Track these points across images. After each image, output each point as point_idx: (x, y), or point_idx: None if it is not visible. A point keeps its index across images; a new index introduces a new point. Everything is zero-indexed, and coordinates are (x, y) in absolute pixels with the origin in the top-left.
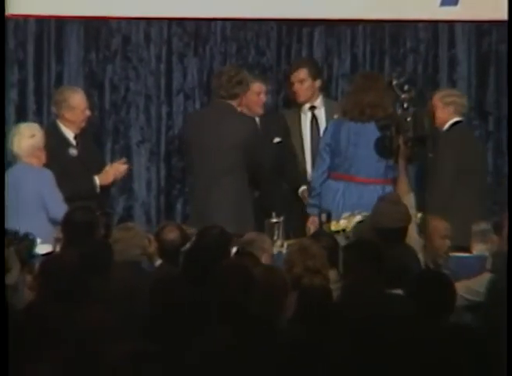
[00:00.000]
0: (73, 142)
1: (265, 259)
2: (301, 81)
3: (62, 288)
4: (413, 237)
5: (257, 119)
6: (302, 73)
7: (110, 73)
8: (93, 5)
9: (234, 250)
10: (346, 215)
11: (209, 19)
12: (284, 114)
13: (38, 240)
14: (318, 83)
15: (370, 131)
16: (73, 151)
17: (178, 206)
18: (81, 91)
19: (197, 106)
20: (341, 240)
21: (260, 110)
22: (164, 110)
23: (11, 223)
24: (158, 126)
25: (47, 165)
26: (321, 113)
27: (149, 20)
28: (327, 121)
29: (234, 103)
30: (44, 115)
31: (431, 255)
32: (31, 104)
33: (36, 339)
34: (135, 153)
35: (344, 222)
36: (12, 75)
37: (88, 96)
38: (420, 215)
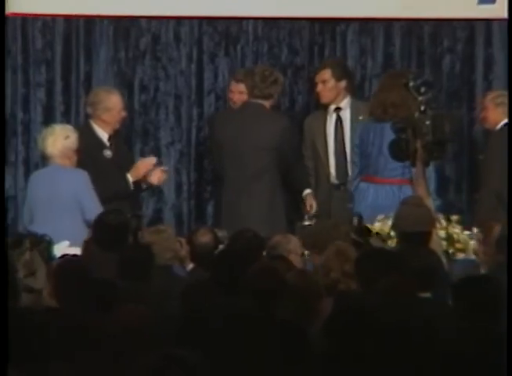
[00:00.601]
0: (108, 143)
1: (294, 261)
2: (324, 82)
3: (91, 292)
4: (436, 241)
5: None
6: (326, 73)
7: (140, 73)
8: (123, 4)
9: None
10: (380, 217)
11: (240, 18)
12: (315, 115)
13: (67, 243)
14: (343, 84)
15: (390, 132)
16: (108, 152)
17: (209, 209)
18: (117, 92)
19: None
20: (377, 244)
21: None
22: (195, 110)
23: (42, 224)
24: (188, 127)
25: (80, 166)
26: (346, 115)
27: (179, 19)
28: (352, 122)
29: (267, 103)
30: (72, 116)
31: (488, 259)
32: (59, 105)
33: (62, 343)
34: (164, 155)
35: (379, 225)
36: (40, 75)
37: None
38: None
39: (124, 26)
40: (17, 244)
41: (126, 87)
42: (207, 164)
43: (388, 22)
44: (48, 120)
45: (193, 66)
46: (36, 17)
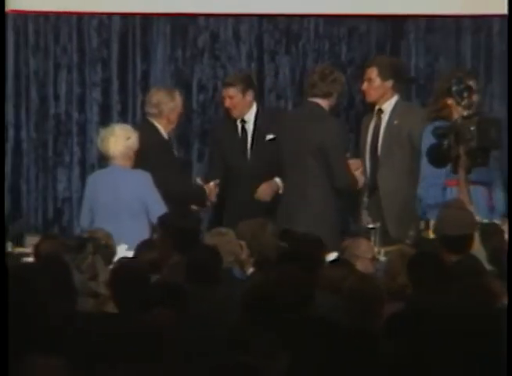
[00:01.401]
0: (171, 143)
1: (361, 266)
2: (370, 80)
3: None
4: (477, 246)
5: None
6: (372, 72)
7: (198, 72)
8: (180, 1)
9: (331, 257)
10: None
11: (301, 16)
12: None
13: (125, 246)
14: (389, 83)
15: (429, 135)
16: (174, 152)
17: None
18: (178, 91)
19: (289, 106)
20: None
21: (232, 113)
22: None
23: (104, 227)
24: None
25: (143, 167)
26: (385, 116)
27: (238, 17)
28: (389, 124)
29: (325, 102)
30: (129, 115)
31: None
32: (115, 104)
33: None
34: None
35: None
36: (96, 74)
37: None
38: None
39: (182, 24)
40: (80, 247)
41: (184, 86)
42: None
43: (455, 19)
44: (105, 120)
45: (253, 64)
46: (7, 13)
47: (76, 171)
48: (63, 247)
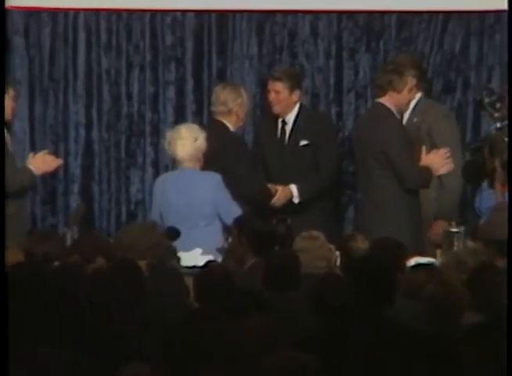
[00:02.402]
0: (243, 141)
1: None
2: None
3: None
4: None
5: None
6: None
7: (275, 69)
8: None
9: (412, 262)
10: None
11: (382, 12)
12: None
13: (199, 251)
14: (412, 81)
15: None
16: (247, 150)
17: (349, 214)
18: (242, 87)
19: (369, 105)
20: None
21: (273, 109)
22: (334, 109)
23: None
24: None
25: (214, 168)
26: (406, 115)
27: (316, 13)
28: (409, 122)
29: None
30: (204, 115)
31: None
32: (190, 104)
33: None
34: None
35: None
36: (169, 73)
37: (253, 94)
38: None
39: (259, 20)
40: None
41: (260, 84)
42: (347, 166)
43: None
44: (179, 120)
45: (332, 62)
46: (7, 10)
47: (149, 172)
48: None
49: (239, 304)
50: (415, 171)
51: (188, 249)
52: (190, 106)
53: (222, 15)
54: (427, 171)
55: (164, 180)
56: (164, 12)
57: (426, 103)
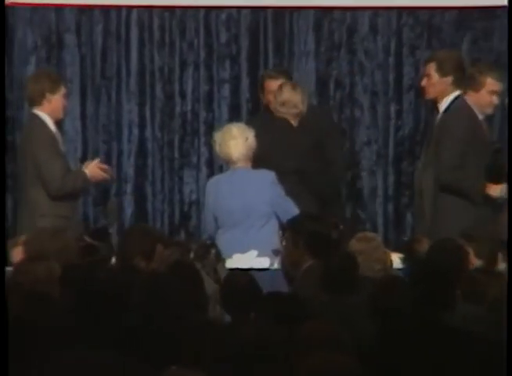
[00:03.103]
0: None
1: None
2: (428, 76)
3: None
4: None
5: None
6: (431, 67)
7: (334, 67)
8: None
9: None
10: None
11: (443, 8)
12: None
13: (255, 253)
14: (448, 79)
15: None
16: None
17: (408, 216)
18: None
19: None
20: None
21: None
22: (393, 108)
23: (231, 233)
24: (386, 126)
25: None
26: (439, 115)
27: (375, 10)
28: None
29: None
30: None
31: None
32: (245, 103)
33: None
34: (359, 155)
35: None
36: (224, 71)
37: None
38: None
39: (317, 17)
40: (204, 254)
41: (319, 82)
42: (407, 166)
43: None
44: (234, 119)
45: (391, 59)
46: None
47: (203, 172)
48: (187, 254)
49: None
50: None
51: (244, 251)
52: (245, 105)
53: (279, 11)
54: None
55: (217, 182)
56: (219, 9)
57: (459, 103)
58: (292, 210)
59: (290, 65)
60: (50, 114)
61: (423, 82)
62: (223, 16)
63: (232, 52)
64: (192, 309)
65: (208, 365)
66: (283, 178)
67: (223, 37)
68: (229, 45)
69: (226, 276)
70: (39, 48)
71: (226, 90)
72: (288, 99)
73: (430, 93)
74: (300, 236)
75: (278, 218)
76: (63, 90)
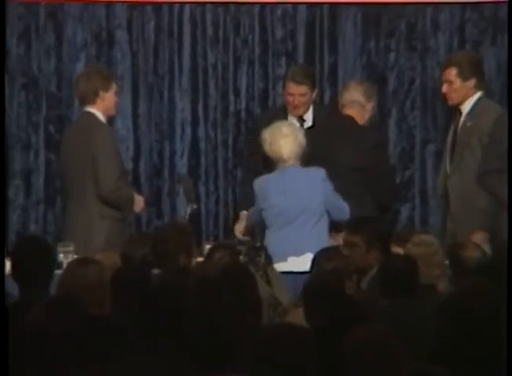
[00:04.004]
0: None
1: None
2: (450, 82)
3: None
4: None
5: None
6: (451, 73)
7: (392, 64)
8: None
9: None
10: None
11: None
12: None
13: (311, 256)
14: (471, 83)
15: None
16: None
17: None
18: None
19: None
20: None
21: (294, 112)
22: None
23: (281, 234)
24: (446, 125)
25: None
26: (462, 118)
27: (437, 5)
28: (463, 126)
29: None
30: None
31: None
32: None
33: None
34: (417, 156)
35: None
36: (280, 68)
37: None
38: None
39: (375, 12)
40: (255, 256)
41: (377, 80)
42: None
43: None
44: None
45: None
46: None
47: None
48: (237, 256)
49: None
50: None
51: (297, 252)
52: None
53: (335, 7)
54: None
55: (265, 182)
56: (274, 5)
57: (483, 104)
58: (343, 207)
59: (346, 62)
60: (103, 112)
61: (444, 89)
62: (278, 12)
63: (288, 49)
64: (246, 313)
65: (261, 370)
66: (344, 177)
67: (278, 34)
68: (285, 42)
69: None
70: (89, 46)
71: (282, 87)
72: (357, 98)
73: (454, 99)
74: (374, 240)
75: (328, 215)
76: (114, 87)
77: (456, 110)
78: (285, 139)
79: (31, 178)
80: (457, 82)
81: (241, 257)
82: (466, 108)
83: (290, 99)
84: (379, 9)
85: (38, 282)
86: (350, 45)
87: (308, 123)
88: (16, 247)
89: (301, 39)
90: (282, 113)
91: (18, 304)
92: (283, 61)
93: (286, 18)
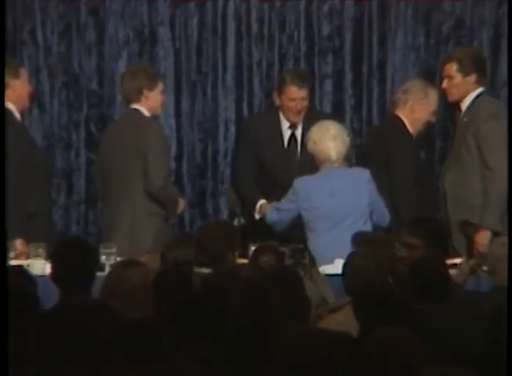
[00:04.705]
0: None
1: None
2: (450, 78)
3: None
4: None
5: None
6: (451, 68)
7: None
8: None
9: None
10: None
11: None
12: None
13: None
14: (471, 79)
15: None
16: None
17: None
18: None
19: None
20: None
21: (294, 118)
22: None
23: (325, 236)
24: None
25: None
26: (460, 114)
27: (484, 1)
28: (460, 122)
29: None
30: (363, 110)
31: None
32: (349, 98)
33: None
34: None
35: None
36: (326, 65)
37: None
38: None
39: (425, 8)
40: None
41: (427, 77)
42: None
43: None
44: (337, 115)
45: (500, 53)
46: None
47: None
48: (282, 258)
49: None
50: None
51: (344, 255)
52: (349, 101)
53: (384, 2)
54: None
55: (309, 183)
56: (321, 0)
57: (482, 100)
58: (385, 212)
59: (395, 59)
60: (148, 111)
61: (445, 84)
62: (325, 8)
63: (335, 46)
64: (293, 316)
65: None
66: (398, 182)
67: (325, 30)
68: (332, 38)
69: None
70: (131, 43)
71: (329, 85)
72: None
73: (454, 95)
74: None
75: (371, 218)
76: (160, 86)
77: (456, 106)
78: (334, 141)
79: (72, 178)
80: (458, 77)
81: (286, 259)
82: (465, 104)
83: (292, 104)
84: (429, 5)
85: (80, 284)
86: (399, 41)
87: (299, 130)
88: (56, 249)
89: (348, 36)
90: (273, 117)
91: (58, 307)
92: (330, 58)
93: (333, 14)
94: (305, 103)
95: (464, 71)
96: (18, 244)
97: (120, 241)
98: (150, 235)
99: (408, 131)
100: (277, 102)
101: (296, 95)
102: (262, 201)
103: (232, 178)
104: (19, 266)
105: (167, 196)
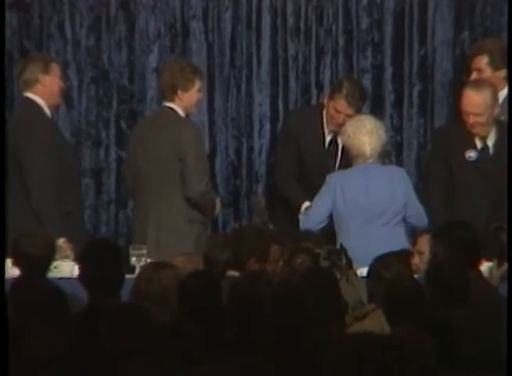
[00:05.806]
0: None
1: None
2: (479, 71)
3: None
4: None
5: None
6: (481, 61)
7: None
8: None
9: None
10: None
11: None
12: None
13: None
14: (501, 74)
15: None
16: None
17: None
18: None
19: None
20: None
21: (333, 127)
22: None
23: (359, 236)
24: None
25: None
26: None
27: None
28: None
29: None
30: (404, 107)
31: None
32: (388, 94)
33: None
34: None
35: None
36: (365, 60)
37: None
38: None
39: (467, 2)
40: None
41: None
42: None
43: None
44: (376, 111)
45: None
46: None
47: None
48: (316, 259)
49: None
50: None
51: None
52: (388, 97)
53: None
54: None
55: (343, 178)
56: None
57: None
58: (422, 213)
59: (437, 54)
60: (183, 109)
61: (474, 77)
62: (364, 1)
63: (375, 40)
64: (330, 319)
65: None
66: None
67: (364, 23)
68: (371, 32)
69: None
70: (163, 37)
71: (368, 80)
72: None
73: None
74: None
75: (405, 219)
76: (197, 85)
77: None
78: (369, 136)
79: (102, 177)
80: (487, 71)
81: (322, 261)
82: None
83: (335, 115)
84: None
85: (109, 286)
86: (440, 35)
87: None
88: (85, 250)
89: (388, 29)
90: (318, 115)
91: (87, 309)
92: (369, 52)
93: (372, 7)
94: (349, 119)
95: (495, 65)
96: (61, 243)
97: (159, 248)
98: (191, 243)
99: None
100: (324, 101)
101: (343, 110)
102: (307, 203)
103: (268, 177)
104: None
105: (208, 201)
